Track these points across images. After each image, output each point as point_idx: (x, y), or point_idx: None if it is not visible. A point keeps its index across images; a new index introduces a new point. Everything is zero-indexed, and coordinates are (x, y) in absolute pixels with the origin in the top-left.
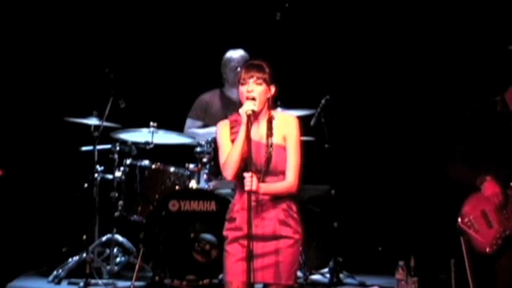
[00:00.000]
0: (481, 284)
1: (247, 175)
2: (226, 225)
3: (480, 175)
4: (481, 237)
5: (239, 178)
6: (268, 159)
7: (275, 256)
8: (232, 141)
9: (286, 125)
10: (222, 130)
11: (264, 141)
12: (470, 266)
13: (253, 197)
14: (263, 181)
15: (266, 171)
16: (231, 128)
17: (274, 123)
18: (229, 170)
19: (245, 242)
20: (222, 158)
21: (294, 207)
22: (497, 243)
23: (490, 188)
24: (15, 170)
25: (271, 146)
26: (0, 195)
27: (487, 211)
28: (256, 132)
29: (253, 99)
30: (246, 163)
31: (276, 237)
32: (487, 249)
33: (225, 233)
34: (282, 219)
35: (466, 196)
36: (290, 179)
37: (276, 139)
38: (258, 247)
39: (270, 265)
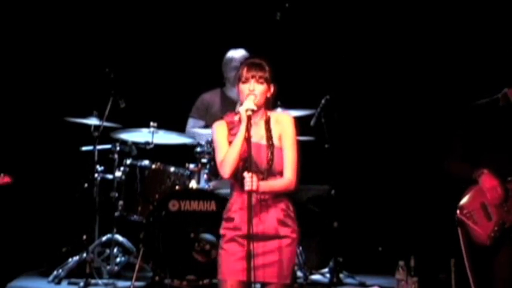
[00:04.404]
0: (481, 280)
1: (247, 175)
2: (224, 224)
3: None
4: (480, 229)
5: (237, 177)
6: (271, 160)
7: (274, 255)
8: (231, 142)
9: (281, 124)
10: (219, 130)
11: (263, 141)
12: (468, 258)
13: (255, 196)
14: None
15: (268, 171)
16: (229, 129)
17: (271, 124)
18: (226, 168)
19: (243, 241)
20: (220, 157)
21: (291, 207)
22: (496, 236)
23: (487, 181)
24: (15, 170)
25: (272, 146)
26: (0, 195)
27: (487, 203)
28: (255, 133)
29: (255, 96)
30: (244, 163)
31: (275, 236)
32: (486, 242)
33: (222, 231)
34: (281, 218)
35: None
36: (289, 176)
37: (274, 140)
38: (257, 246)
39: (268, 264)
